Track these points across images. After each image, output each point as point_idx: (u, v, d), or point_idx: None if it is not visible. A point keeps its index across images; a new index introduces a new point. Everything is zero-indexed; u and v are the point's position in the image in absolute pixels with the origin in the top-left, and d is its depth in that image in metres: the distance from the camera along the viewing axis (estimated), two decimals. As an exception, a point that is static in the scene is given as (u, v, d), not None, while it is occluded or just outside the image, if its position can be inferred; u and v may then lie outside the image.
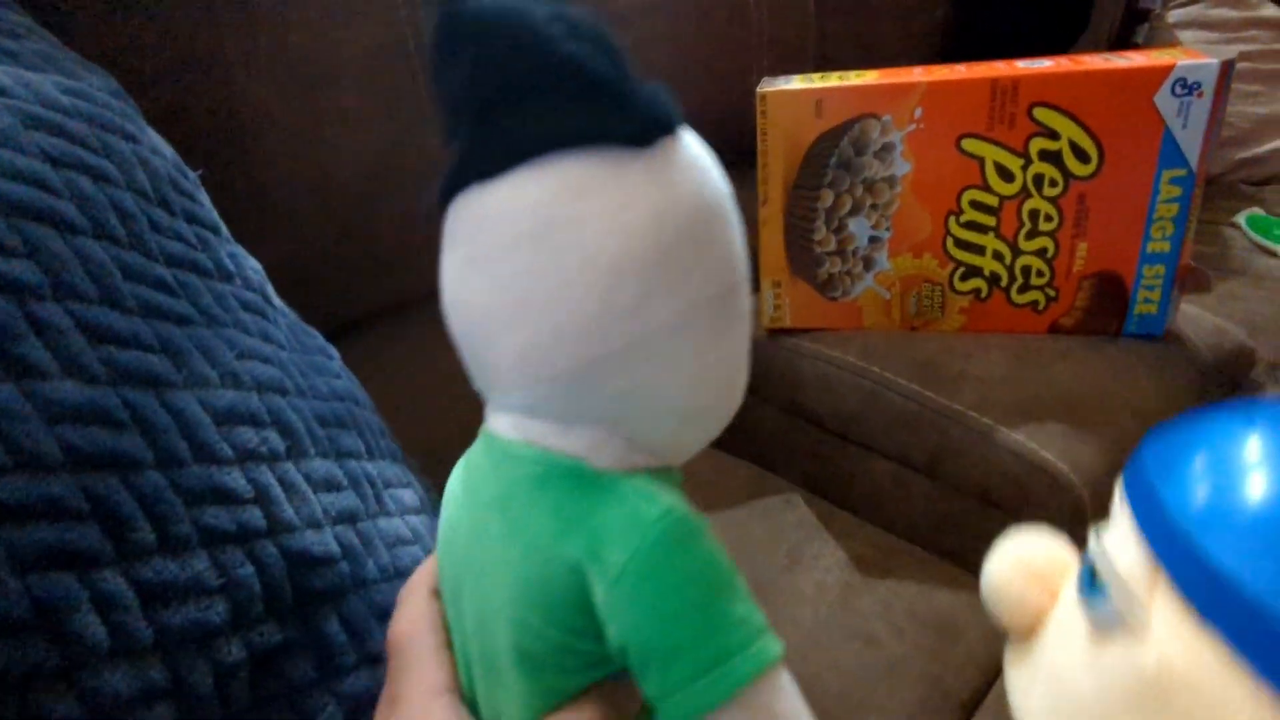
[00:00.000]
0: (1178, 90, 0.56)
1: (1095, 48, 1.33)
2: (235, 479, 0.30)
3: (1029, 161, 0.60)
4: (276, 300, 0.46)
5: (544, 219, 0.21)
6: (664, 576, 0.21)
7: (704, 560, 0.21)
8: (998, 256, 0.64)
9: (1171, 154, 0.58)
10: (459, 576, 0.25)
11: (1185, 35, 1.36)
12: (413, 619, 0.26)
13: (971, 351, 0.65)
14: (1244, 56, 1.33)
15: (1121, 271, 0.63)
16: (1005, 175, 0.61)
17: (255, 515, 0.30)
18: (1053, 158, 0.60)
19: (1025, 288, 0.65)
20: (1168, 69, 0.56)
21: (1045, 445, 0.55)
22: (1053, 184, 0.61)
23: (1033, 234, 0.63)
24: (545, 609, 0.22)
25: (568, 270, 0.21)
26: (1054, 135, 0.59)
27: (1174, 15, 1.37)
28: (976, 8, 0.98)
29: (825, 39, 0.95)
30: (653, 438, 0.23)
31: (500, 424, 0.24)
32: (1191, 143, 0.58)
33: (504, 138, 0.21)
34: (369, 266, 0.61)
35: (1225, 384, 0.67)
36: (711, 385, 0.23)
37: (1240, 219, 1.17)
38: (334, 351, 0.50)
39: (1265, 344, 0.85)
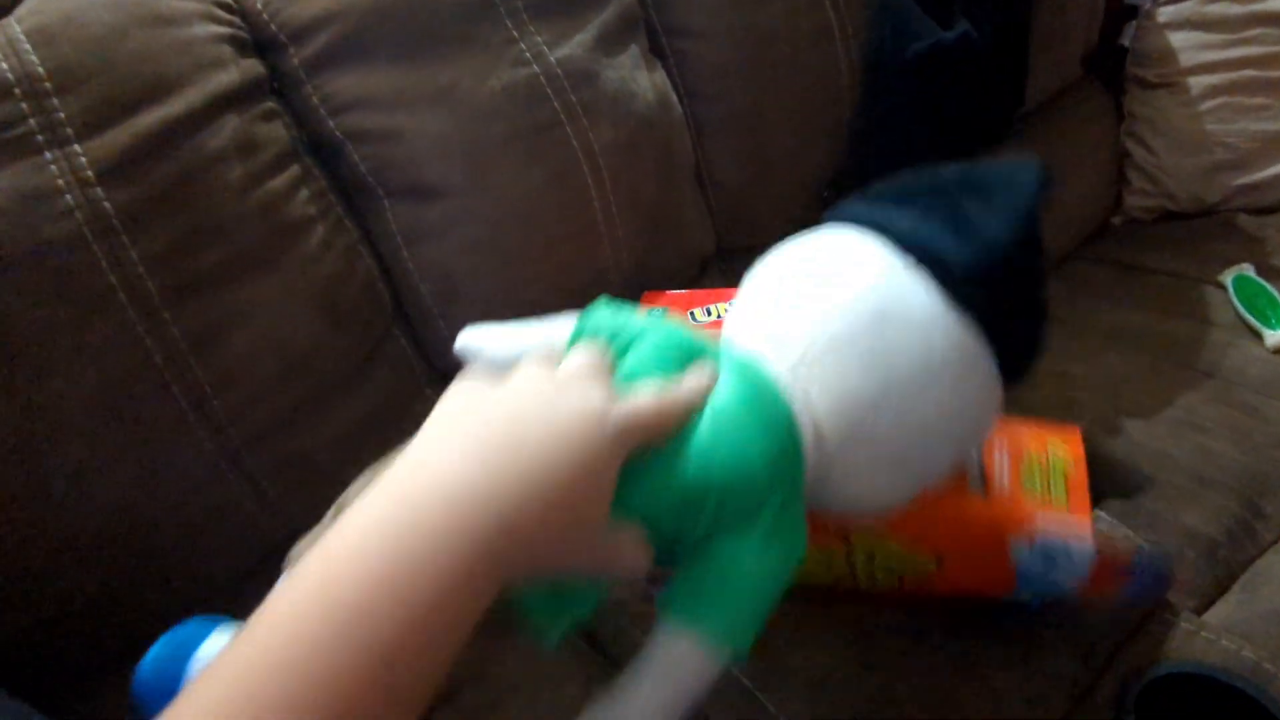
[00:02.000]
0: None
1: (1060, 80, 1.16)
2: None
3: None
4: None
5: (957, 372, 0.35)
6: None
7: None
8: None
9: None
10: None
11: (1177, 37, 1.18)
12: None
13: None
14: (1247, 61, 1.14)
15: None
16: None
17: None
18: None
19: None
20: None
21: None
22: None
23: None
24: (725, 484, 0.32)
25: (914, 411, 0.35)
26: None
27: (1164, 13, 1.19)
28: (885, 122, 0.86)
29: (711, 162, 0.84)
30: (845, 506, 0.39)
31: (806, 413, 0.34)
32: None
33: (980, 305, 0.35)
34: (139, 593, 0.58)
35: (1121, 635, 0.59)
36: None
37: (1227, 279, 1.02)
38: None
39: (1211, 501, 0.74)
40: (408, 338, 0.73)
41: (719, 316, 0.65)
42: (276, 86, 0.65)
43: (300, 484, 0.64)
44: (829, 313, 0.35)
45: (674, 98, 0.79)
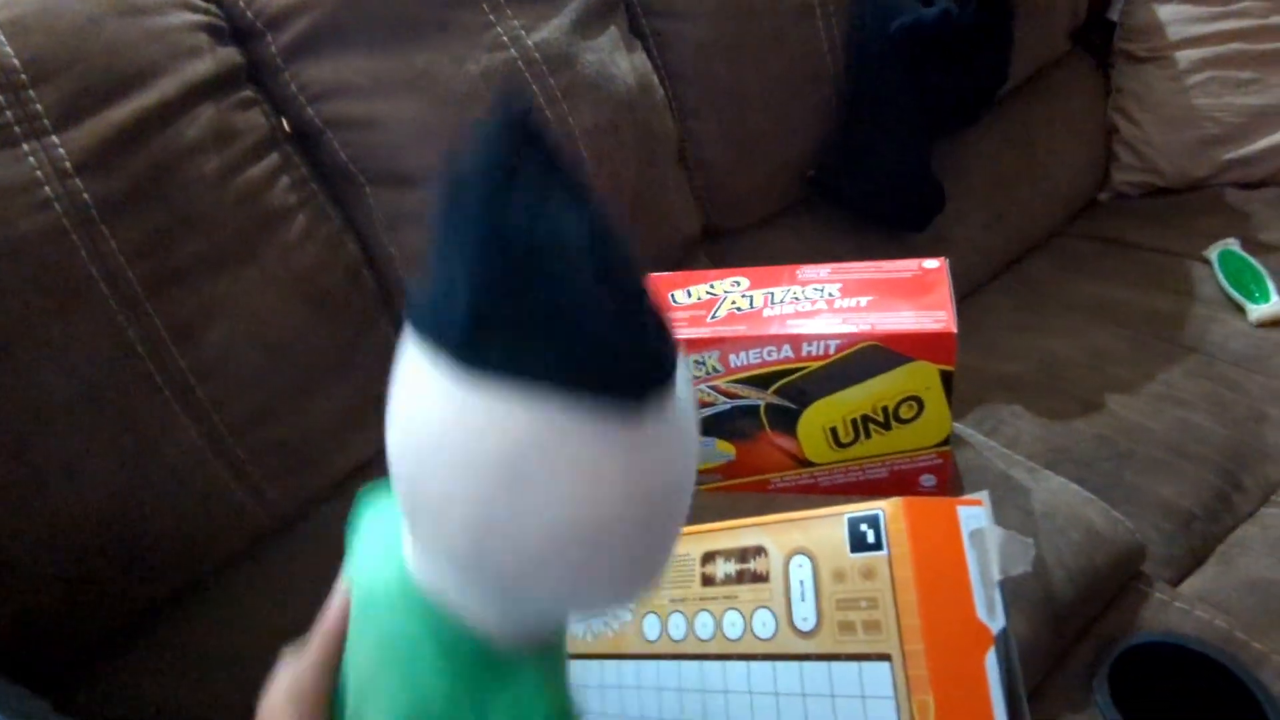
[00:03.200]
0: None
1: (1047, 53, 1.15)
2: None
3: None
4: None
5: (516, 457, 0.22)
6: None
7: None
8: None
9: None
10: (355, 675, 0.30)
11: (1165, 10, 1.17)
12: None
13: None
14: (1235, 34, 1.14)
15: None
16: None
17: None
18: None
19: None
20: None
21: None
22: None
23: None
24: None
25: (524, 517, 0.23)
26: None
27: (1153, -13, 1.18)
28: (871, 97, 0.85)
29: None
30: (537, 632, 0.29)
31: (430, 580, 0.28)
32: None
33: (499, 344, 0.22)
34: (131, 578, 0.59)
35: (1094, 607, 0.60)
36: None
37: (1212, 254, 1.03)
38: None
39: (1190, 474, 0.75)
40: (392, 325, 0.73)
41: (699, 300, 0.66)
42: (254, 75, 0.65)
43: (287, 470, 0.65)
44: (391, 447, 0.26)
45: (655, 79, 0.79)
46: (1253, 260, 0.99)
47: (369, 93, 0.65)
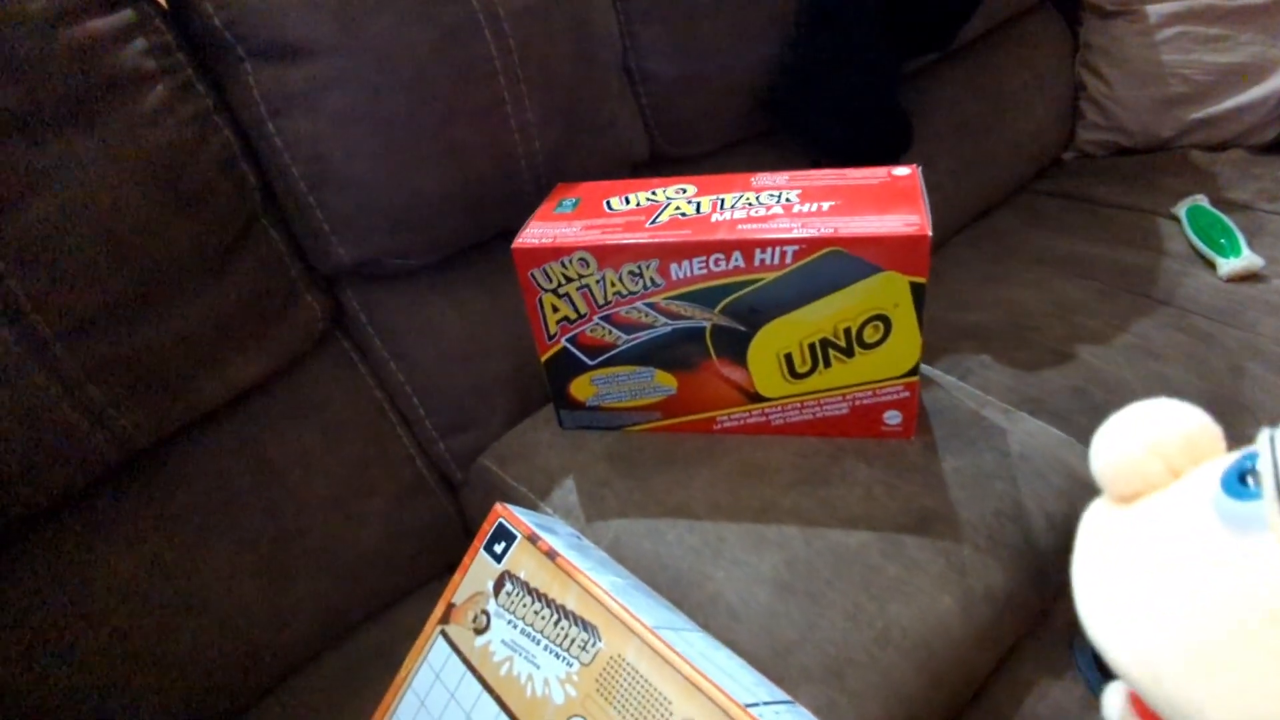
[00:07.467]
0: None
1: (1016, 3, 1.09)
2: None
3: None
4: None
5: None
6: None
7: None
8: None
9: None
10: None
11: (1133, -37, 1.12)
12: None
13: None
14: (1205, -12, 1.09)
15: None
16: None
17: None
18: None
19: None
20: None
21: None
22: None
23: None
24: None
25: None
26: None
27: (1119, -63, 1.13)
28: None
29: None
30: None
31: None
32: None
33: None
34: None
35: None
36: None
37: (1181, 210, 0.98)
38: None
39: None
40: (280, 229, 0.62)
41: (638, 205, 0.57)
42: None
43: (136, 389, 0.54)
44: None
45: (597, -28, 0.70)
46: (1222, 215, 0.94)
47: (248, -58, 0.54)
